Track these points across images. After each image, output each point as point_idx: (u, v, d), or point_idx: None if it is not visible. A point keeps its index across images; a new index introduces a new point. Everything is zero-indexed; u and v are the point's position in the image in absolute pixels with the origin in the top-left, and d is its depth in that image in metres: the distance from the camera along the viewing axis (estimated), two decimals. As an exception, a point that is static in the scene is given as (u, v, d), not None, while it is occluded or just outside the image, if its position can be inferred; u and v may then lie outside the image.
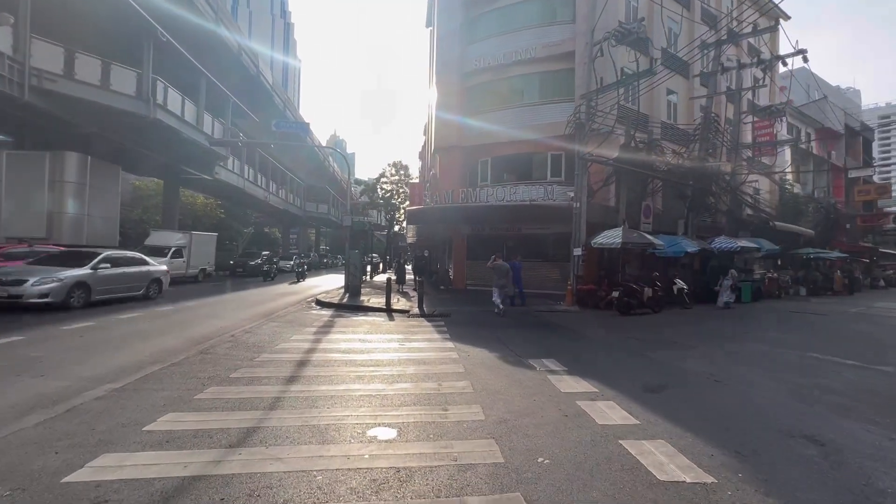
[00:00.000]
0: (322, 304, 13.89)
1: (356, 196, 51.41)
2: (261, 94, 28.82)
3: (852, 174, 34.27)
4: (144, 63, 16.73)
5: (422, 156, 48.39)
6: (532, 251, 17.81)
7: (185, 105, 18.95)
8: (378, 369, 6.18)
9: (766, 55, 18.38)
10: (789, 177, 27.44)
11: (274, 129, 16.44)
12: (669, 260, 15.76)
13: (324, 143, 77.78)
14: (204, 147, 21.26)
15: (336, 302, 13.75)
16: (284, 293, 17.80)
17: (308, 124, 18.89)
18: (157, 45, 17.08)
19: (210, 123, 22.56)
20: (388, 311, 12.54)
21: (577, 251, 13.69)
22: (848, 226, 30.39)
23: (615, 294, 13.00)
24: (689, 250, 15.01)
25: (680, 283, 14.63)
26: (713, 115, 17.02)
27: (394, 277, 23.94)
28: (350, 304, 13.38)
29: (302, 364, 6.42)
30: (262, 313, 11.75)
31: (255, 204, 37.99)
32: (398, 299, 14.91)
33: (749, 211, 20.02)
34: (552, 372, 6.11)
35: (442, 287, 19.34)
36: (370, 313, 12.34)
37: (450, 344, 8.14)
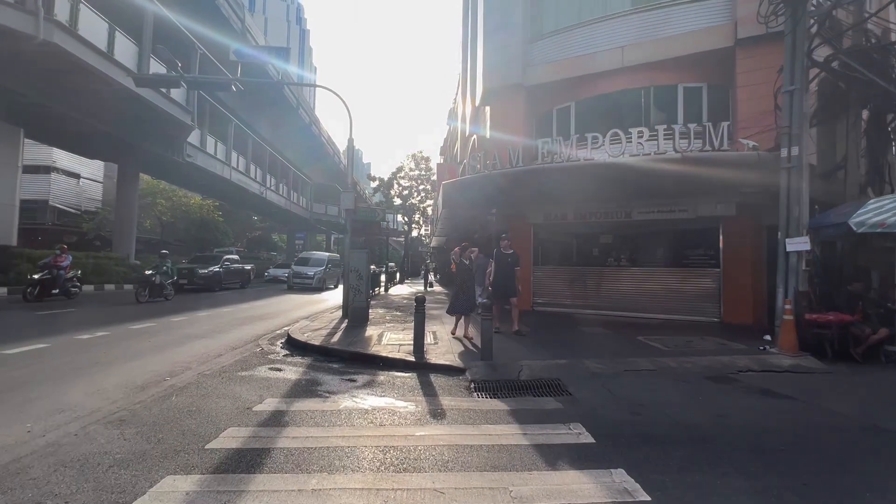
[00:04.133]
0: (295, 345, 7.45)
1: (369, 196, 45.30)
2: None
3: None
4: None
5: (444, 150, 42.14)
6: (650, 250, 11.07)
7: (114, 38, 12.89)
8: None
9: None
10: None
11: (234, 57, 10.21)
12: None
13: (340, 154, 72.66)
14: (156, 110, 15.22)
15: (319, 344, 7.24)
16: (248, 318, 11.38)
17: (289, 49, 12.61)
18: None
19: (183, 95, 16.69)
20: (421, 366, 6.01)
21: (796, 243, 6.86)
22: None
23: (882, 332, 6.25)
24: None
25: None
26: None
27: (431, 283, 17.67)
28: (346, 351, 6.85)
29: None
30: (128, 385, 5.30)
31: (249, 201, 32.11)
32: (432, 334, 8.33)
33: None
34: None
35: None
36: (381, 373, 5.82)
37: None
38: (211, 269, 18.05)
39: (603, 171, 8.45)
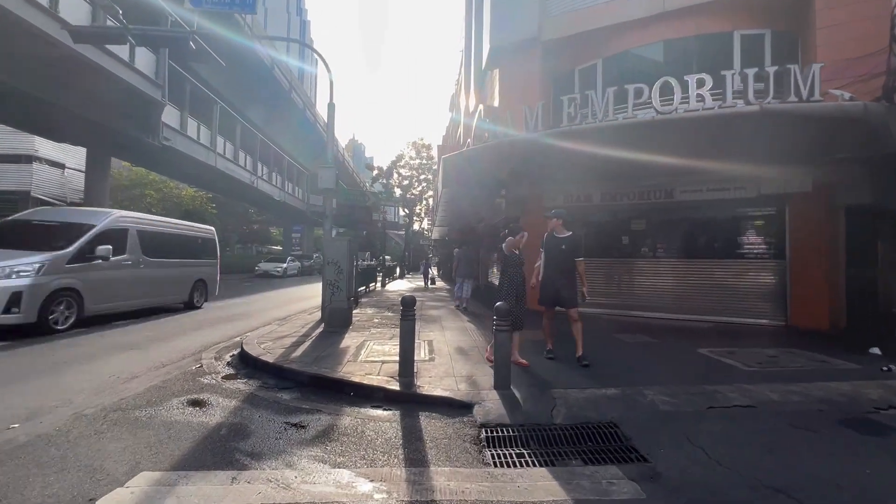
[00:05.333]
0: (246, 361, 5.60)
1: (368, 187, 43.38)
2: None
3: None
4: None
5: (445, 140, 40.09)
6: (694, 238, 9.13)
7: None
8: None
9: None
10: None
11: (190, 5, 8.30)
12: None
13: (343, 148, 70.22)
14: (116, 82, 13.34)
15: (274, 361, 5.38)
16: (212, 320, 9.59)
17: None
18: None
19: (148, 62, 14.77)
20: (407, 398, 4.14)
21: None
22: None
23: None
24: None
25: None
26: None
27: (433, 279, 16.09)
28: (305, 372, 4.95)
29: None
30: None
31: (240, 192, 30.27)
32: (427, 345, 6.47)
33: None
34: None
35: (505, 306, 10.75)
36: (349, 411, 3.97)
37: None
38: None
39: (650, 133, 6.50)
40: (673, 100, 6.46)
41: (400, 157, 34.84)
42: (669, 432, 3.41)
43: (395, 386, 4.37)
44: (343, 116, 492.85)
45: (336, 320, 7.60)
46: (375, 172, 32.76)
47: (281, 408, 4.00)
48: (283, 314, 10.08)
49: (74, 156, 32.95)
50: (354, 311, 10.03)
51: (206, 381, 4.83)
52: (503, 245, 5.12)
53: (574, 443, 3.29)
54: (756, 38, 8.47)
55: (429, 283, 19.88)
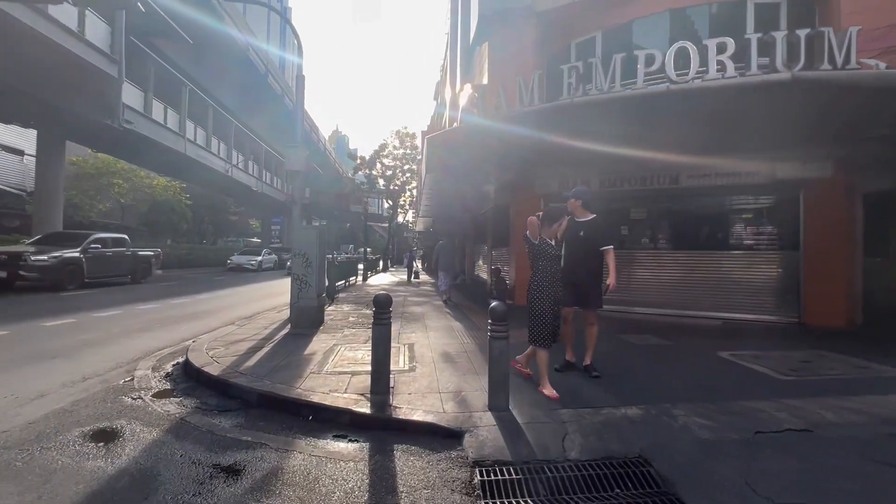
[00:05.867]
0: (189, 373, 4.62)
1: (348, 173, 42.01)
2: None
3: None
4: None
5: (431, 130, 38.95)
6: (700, 228, 8.41)
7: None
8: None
9: None
10: None
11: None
12: None
13: (326, 139, 67.66)
14: (62, 53, 11.97)
15: (218, 374, 4.41)
16: (167, 319, 8.56)
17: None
18: None
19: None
20: (380, 423, 3.25)
21: None
22: None
23: None
24: None
25: None
26: None
27: (416, 273, 15.38)
28: (253, 389, 3.99)
29: None
30: None
31: (213, 181, 28.76)
32: (407, 349, 5.60)
33: None
34: None
35: (495, 303, 9.93)
36: (303, 444, 3.07)
37: None
38: (57, 254, 11.37)
39: (662, 106, 5.67)
40: (689, 71, 5.65)
41: (383, 147, 33.60)
42: (719, 472, 2.61)
43: (366, 407, 3.48)
44: (327, 108, 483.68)
45: (304, 320, 6.65)
46: (357, 161, 31.55)
47: (214, 441, 3.08)
48: (250, 312, 9.08)
49: (35, 142, 30.88)
50: (329, 309, 9.09)
51: (130, 400, 3.87)
52: (527, 232, 4.16)
53: (595, 488, 2.47)
54: (771, 7, 7.73)
55: (412, 276, 18.90)
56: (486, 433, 3.10)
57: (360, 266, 20.15)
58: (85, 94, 14.75)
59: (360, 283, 17.70)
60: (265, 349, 5.35)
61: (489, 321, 3.49)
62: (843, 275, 7.31)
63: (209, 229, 42.49)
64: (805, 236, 7.54)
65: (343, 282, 14.66)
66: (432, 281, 18.85)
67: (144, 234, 30.30)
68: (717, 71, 5.47)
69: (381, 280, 19.88)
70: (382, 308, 3.81)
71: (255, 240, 45.38)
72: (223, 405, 3.77)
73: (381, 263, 29.80)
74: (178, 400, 3.91)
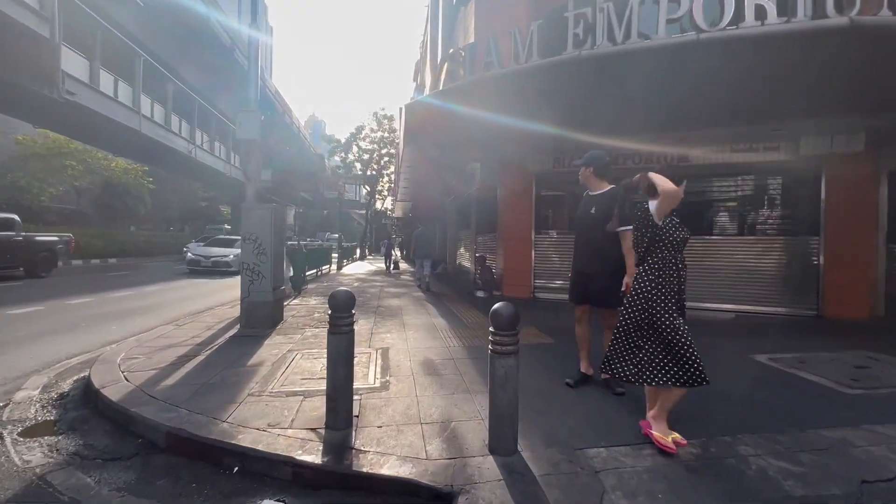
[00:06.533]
0: (88, 398, 3.45)
1: (320, 154, 40.11)
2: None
3: None
4: None
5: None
6: (709, 210, 7.57)
7: None
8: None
9: None
10: None
11: None
12: None
13: (302, 125, 64.36)
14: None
15: (118, 399, 3.26)
16: (103, 316, 7.31)
17: None
18: None
19: None
20: (337, 480, 2.20)
21: None
22: None
23: None
24: None
25: None
26: None
27: (396, 262, 14.52)
28: (161, 424, 2.90)
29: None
30: None
31: (174, 162, 26.75)
32: (379, 356, 4.53)
33: None
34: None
35: (481, 294, 9.05)
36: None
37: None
38: None
39: (691, 59, 4.71)
40: (722, 19, 4.68)
41: (360, 129, 32.00)
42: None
43: (316, 453, 2.44)
44: (302, 95, 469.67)
45: (257, 319, 5.53)
46: (333, 145, 29.94)
47: (74, 521, 2.00)
48: (203, 307, 7.87)
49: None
50: (293, 303, 7.97)
51: (-19, 443, 2.72)
52: (622, 186, 3.02)
53: None
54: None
55: (391, 266, 17.59)
56: (488, 494, 2.11)
57: (335, 254, 18.92)
58: (16, 59, 12.94)
59: (334, 272, 16.51)
60: (199, 358, 4.23)
61: (491, 329, 2.47)
62: (868, 262, 6.60)
63: (175, 215, 40.20)
64: (826, 220, 6.79)
65: (315, 271, 13.48)
66: (412, 270, 17.77)
67: (101, 221, 28.12)
68: (756, 20, 4.53)
69: (357, 269, 18.69)
70: (342, 311, 2.75)
71: (225, 226, 41.85)
72: (114, 449, 2.67)
73: (357, 251, 28.51)
74: (52, 440, 2.79)
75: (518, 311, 2.48)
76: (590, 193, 3.63)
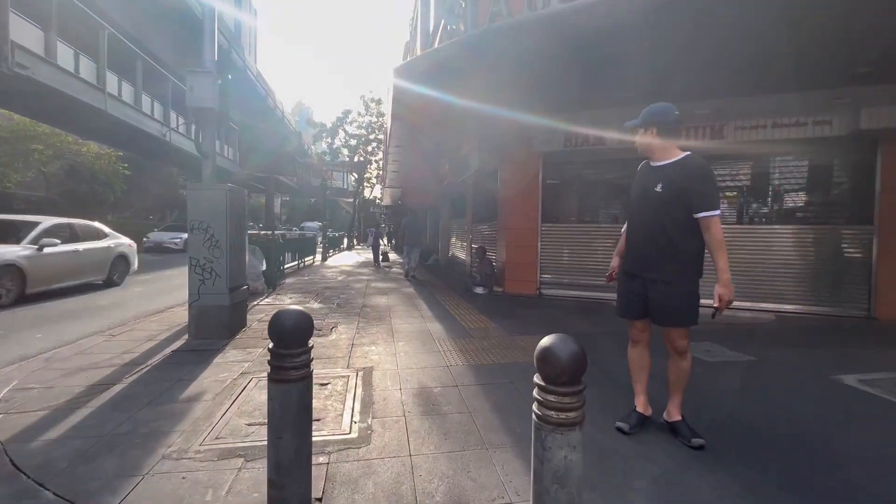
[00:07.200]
0: None
1: (309, 143, 38.52)
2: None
3: None
4: None
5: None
6: (740, 195, 6.60)
7: None
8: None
9: None
10: None
11: None
12: None
13: (289, 112, 61.71)
14: None
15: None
16: (47, 318, 6.10)
17: None
18: None
19: None
20: None
21: None
22: None
23: None
24: None
25: None
26: None
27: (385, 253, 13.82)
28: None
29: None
30: None
31: (147, 146, 25.24)
32: (358, 378, 3.46)
33: None
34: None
35: (480, 290, 8.06)
36: None
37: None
38: None
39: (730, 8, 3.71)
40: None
41: (347, 114, 30.55)
42: None
43: None
44: (291, 81, 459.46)
45: (209, 327, 4.45)
46: (318, 130, 28.51)
47: None
48: (162, 306, 6.75)
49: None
50: (264, 302, 6.91)
51: None
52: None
53: None
54: None
55: (380, 259, 16.00)
56: None
57: (319, 245, 17.77)
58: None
59: (319, 263, 15.37)
60: (116, 388, 3.15)
61: (538, 383, 1.44)
62: (928, 255, 5.72)
63: (155, 203, 38.38)
64: (881, 206, 5.88)
65: (296, 263, 12.35)
66: (401, 261, 16.65)
67: (69, 208, 26.46)
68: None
69: (344, 260, 17.52)
70: (291, 344, 1.70)
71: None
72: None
73: (345, 241, 27.30)
74: None
75: (584, 350, 1.44)
76: (652, 164, 2.60)
